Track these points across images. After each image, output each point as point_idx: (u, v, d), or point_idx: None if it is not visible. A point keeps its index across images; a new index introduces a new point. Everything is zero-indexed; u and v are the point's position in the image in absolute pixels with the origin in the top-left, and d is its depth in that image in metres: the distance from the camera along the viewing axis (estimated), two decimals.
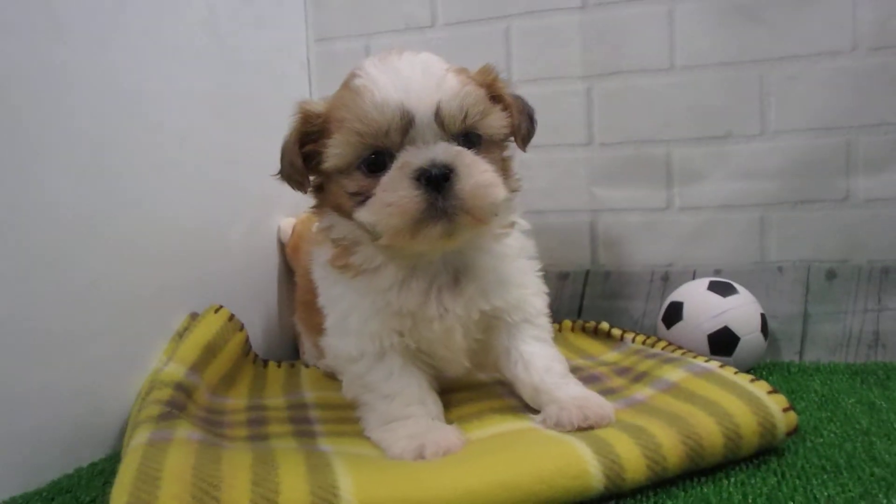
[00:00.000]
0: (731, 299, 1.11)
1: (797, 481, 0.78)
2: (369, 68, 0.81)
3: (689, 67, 1.26)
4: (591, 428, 0.82)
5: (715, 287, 1.13)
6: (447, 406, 0.93)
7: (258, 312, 1.31)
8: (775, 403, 0.84)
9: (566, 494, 0.71)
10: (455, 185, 0.75)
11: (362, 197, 0.80)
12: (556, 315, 0.99)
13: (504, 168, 0.88)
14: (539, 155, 0.92)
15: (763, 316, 1.12)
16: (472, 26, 1.38)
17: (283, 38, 1.46)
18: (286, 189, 1.10)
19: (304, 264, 1.07)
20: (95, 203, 0.94)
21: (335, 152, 0.81)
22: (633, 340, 1.18)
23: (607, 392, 0.97)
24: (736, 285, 1.14)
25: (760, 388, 0.87)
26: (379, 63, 0.81)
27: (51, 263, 0.87)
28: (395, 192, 0.76)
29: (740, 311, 1.10)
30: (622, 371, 1.06)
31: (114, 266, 0.96)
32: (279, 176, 0.89)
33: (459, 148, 0.78)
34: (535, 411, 0.90)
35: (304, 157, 0.85)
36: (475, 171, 0.77)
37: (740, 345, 1.09)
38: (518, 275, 0.92)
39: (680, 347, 1.09)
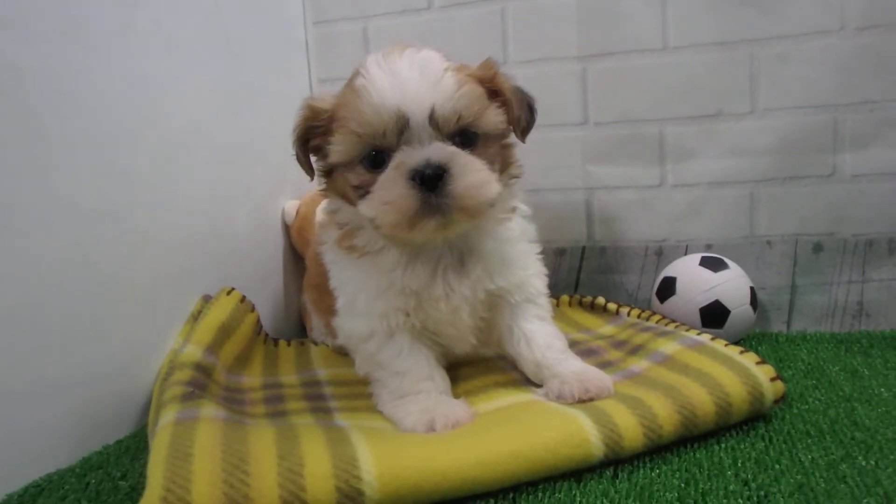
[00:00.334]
0: (721, 274, 1.15)
1: (783, 445, 0.84)
2: (371, 67, 0.84)
3: (681, 48, 1.28)
4: (591, 400, 0.87)
5: (706, 262, 1.17)
6: (454, 381, 0.98)
7: (265, 293, 1.34)
8: (763, 373, 0.89)
9: (569, 462, 0.77)
10: (448, 185, 0.79)
11: (363, 190, 0.85)
12: (554, 289, 1.03)
13: (504, 157, 0.91)
14: (535, 135, 0.94)
15: (752, 289, 1.17)
16: (469, 8, 1.40)
17: (281, 21, 1.47)
18: (289, 172, 1.13)
19: (314, 250, 1.11)
20: (112, 195, 0.97)
21: (337, 149, 0.85)
22: (629, 314, 1.23)
23: (605, 365, 1.02)
24: (727, 260, 1.19)
25: (749, 360, 0.93)
26: (381, 62, 0.84)
27: (76, 255, 0.91)
28: (391, 191, 0.81)
29: (731, 286, 1.14)
30: (618, 344, 1.11)
31: (132, 255, 1.00)
32: (296, 159, 0.93)
33: (453, 149, 0.82)
34: (538, 385, 0.96)
35: (312, 149, 0.89)
36: (468, 172, 0.81)
37: (731, 317, 1.14)
38: (520, 257, 0.96)
39: (673, 321, 1.14)
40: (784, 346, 1.21)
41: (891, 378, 1.03)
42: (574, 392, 0.88)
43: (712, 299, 1.13)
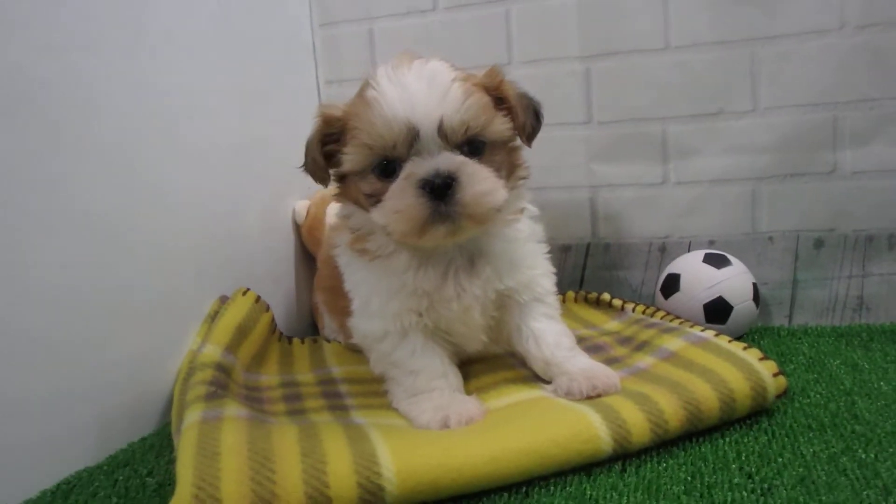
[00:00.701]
0: (724, 270, 1.18)
1: (785, 439, 0.87)
2: (381, 79, 0.86)
3: (683, 47, 1.30)
4: (598, 396, 0.90)
5: (710, 259, 1.20)
6: (465, 378, 1.00)
7: (278, 292, 1.37)
8: (766, 369, 0.92)
9: (579, 457, 0.80)
10: (457, 193, 0.82)
11: (375, 199, 0.88)
12: (560, 286, 1.06)
13: (511, 161, 0.94)
14: (540, 134, 0.97)
15: (755, 285, 1.20)
16: (473, 9, 1.42)
17: (288, 23, 1.49)
18: (299, 173, 1.15)
19: (328, 253, 1.13)
20: (125, 201, 0.99)
21: (350, 158, 0.88)
22: (633, 310, 1.26)
23: (611, 361, 1.05)
24: (729, 257, 1.21)
25: (752, 356, 0.95)
26: (391, 73, 0.86)
27: (93, 261, 0.94)
28: (402, 200, 0.84)
29: (734, 282, 1.17)
30: (624, 340, 1.14)
31: (148, 258, 1.03)
32: (303, 169, 0.95)
33: (462, 158, 0.85)
34: (546, 381, 0.99)
35: (325, 156, 0.92)
36: (476, 180, 0.84)
37: (734, 313, 1.16)
38: (528, 257, 0.99)
39: (678, 317, 1.17)
40: (786, 340, 1.24)
41: (890, 371, 1.05)
42: (582, 389, 0.91)
43: (716, 295, 1.16)
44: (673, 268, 1.23)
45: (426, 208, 0.82)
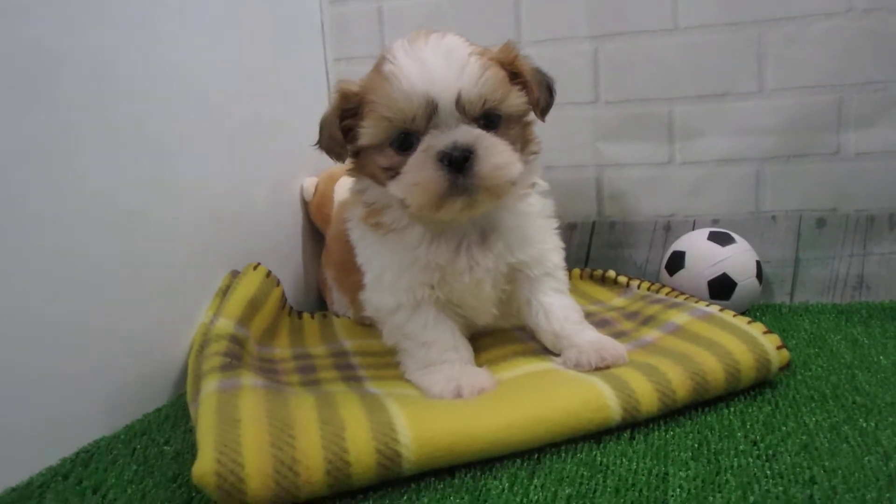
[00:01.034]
0: (729, 248, 1.20)
1: (789, 409, 0.89)
2: (398, 53, 0.87)
3: (691, 28, 1.31)
4: (607, 368, 0.92)
5: (714, 237, 1.22)
6: (476, 351, 1.02)
7: (287, 268, 1.39)
8: (769, 342, 0.95)
9: (590, 425, 0.82)
10: (474, 166, 0.84)
11: (393, 172, 0.89)
12: (566, 263, 1.08)
13: (525, 135, 0.95)
14: (548, 113, 0.99)
15: (758, 263, 1.22)
16: None
17: (296, 1, 1.49)
18: (307, 150, 1.15)
19: (337, 228, 1.15)
20: (138, 181, 1.00)
21: (368, 132, 0.89)
22: (639, 287, 1.28)
23: (618, 335, 1.07)
24: (733, 235, 1.23)
25: (756, 329, 0.98)
26: (408, 48, 0.87)
27: (106, 240, 0.94)
28: (420, 173, 0.85)
29: (738, 259, 1.19)
30: (630, 315, 1.16)
31: (160, 236, 1.03)
32: (317, 146, 0.96)
33: (479, 131, 0.86)
34: (555, 354, 1.01)
35: (343, 131, 0.93)
36: (493, 153, 0.85)
37: (737, 290, 1.19)
38: (539, 232, 1.01)
39: (683, 293, 1.19)
40: (787, 317, 1.26)
41: (889, 347, 1.08)
42: (591, 360, 0.93)
43: (720, 272, 1.18)
44: (678, 245, 1.25)
45: (444, 181, 0.84)
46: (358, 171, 0.97)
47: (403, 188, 0.87)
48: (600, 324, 1.12)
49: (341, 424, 0.75)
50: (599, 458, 0.80)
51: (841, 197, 1.30)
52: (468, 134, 0.84)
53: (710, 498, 0.70)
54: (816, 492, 0.70)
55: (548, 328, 1.00)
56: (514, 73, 0.91)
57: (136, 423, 0.97)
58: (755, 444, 0.81)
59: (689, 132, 1.36)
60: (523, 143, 0.94)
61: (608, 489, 0.73)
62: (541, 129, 0.98)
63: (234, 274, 1.18)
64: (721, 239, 1.21)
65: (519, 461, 0.79)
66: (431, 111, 0.85)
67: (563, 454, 0.81)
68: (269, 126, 1.35)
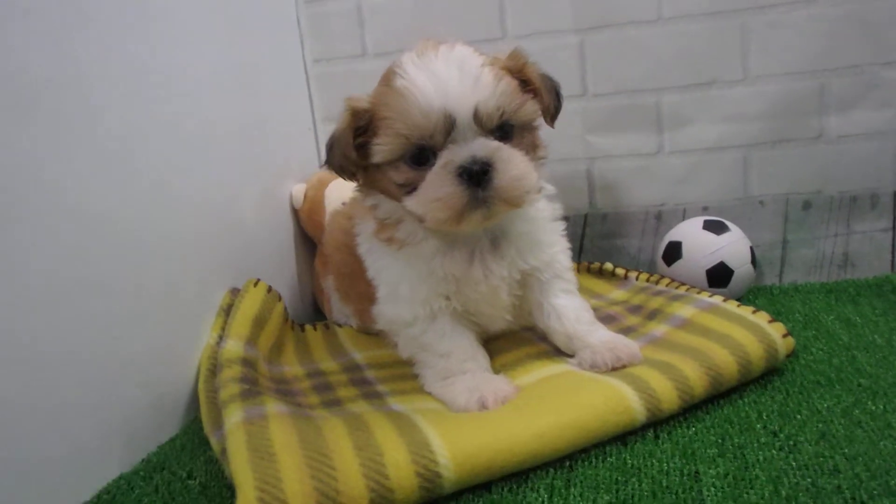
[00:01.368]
0: (724, 237, 1.23)
1: (799, 396, 0.92)
2: (409, 68, 0.86)
3: (675, 18, 1.32)
4: (623, 367, 0.94)
5: (709, 226, 1.24)
6: (490, 356, 1.02)
7: (282, 279, 1.36)
8: (775, 331, 0.98)
9: (616, 428, 0.83)
10: (493, 179, 0.84)
11: (409, 187, 0.88)
12: None
13: (533, 141, 0.95)
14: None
15: (752, 249, 1.25)
16: None
17: (271, 2, 1.45)
18: (293, 156, 1.13)
19: (338, 239, 1.13)
20: (124, 200, 0.95)
21: (382, 149, 0.88)
22: (637, 278, 1.30)
23: (626, 331, 1.09)
24: (727, 223, 1.26)
25: (762, 319, 1.01)
26: (418, 62, 0.86)
27: (98, 265, 0.89)
28: (440, 189, 0.85)
29: (733, 247, 1.22)
30: (634, 309, 1.18)
31: (152, 258, 0.99)
32: (326, 166, 0.94)
33: (496, 144, 0.86)
34: (568, 355, 1.02)
35: (356, 149, 0.91)
36: (511, 165, 0.85)
37: (734, 277, 1.21)
38: (548, 235, 1.01)
39: (682, 283, 1.21)
40: (779, 298, 1.30)
41: (881, 325, 1.12)
42: (607, 361, 0.95)
43: (717, 261, 1.21)
44: (673, 235, 1.28)
45: (464, 195, 0.84)
46: (368, 186, 0.96)
47: (422, 204, 0.86)
48: (606, 319, 1.14)
49: (378, 449, 0.75)
50: (629, 461, 0.81)
51: (825, 179, 1.34)
52: (486, 147, 0.84)
53: (745, 495, 0.73)
54: (842, 481, 0.72)
55: (561, 330, 1.01)
56: (523, 81, 0.91)
57: (152, 455, 0.95)
58: (775, 434, 0.83)
59: (678, 121, 1.37)
60: (532, 149, 0.94)
61: (644, 493, 0.75)
62: None
63: (234, 292, 1.15)
64: (716, 228, 1.24)
65: (552, 470, 0.80)
66: (450, 126, 0.84)
67: (594, 459, 0.82)
68: (251, 132, 1.30)
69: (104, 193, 0.91)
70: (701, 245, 1.23)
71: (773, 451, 0.80)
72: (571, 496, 0.76)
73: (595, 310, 1.18)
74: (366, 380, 1.03)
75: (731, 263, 1.21)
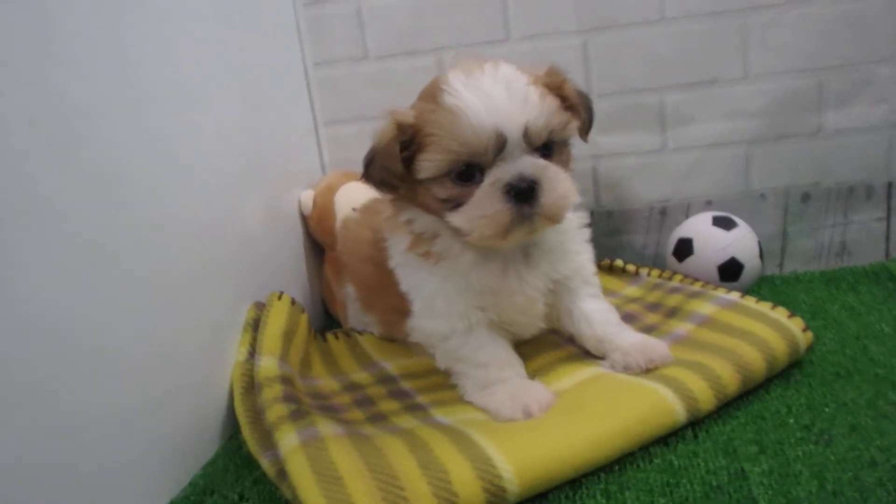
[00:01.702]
0: (733, 232, 1.27)
1: (823, 389, 0.96)
2: (457, 85, 0.86)
3: (678, 18, 1.35)
4: (655, 369, 0.97)
5: (718, 222, 1.28)
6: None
7: (293, 286, 1.35)
8: (795, 326, 1.02)
9: (660, 431, 0.86)
10: (540, 197, 0.86)
11: (453, 203, 0.89)
12: None
13: (568, 156, 0.97)
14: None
15: (759, 243, 1.30)
16: None
17: (270, 4, 1.41)
18: (296, 161, 1.06)
19: (361, 250, 1.13)
20: (131, 223, 0.88)
21: (429, 165, 0.88)
22: (648, 274, 1.33)
23: (648, 329, 1.12)
24: (735, 218, 1.30)
25: (781, 314, 1.05)
26: (465, 80, 0.87)
27: (121, 285, 0.85)
28: (488, 206, 0.86)
29: (743, 242, 1.26)
30: (652, 307, 1.21)
31: (169, 278, 0.95)
32: (364, 179, 0.94)
33: (543, 162, 0.88)
34: (597, 356, 1.04)
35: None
36: (556, 185, 0.87)
37: (745, 271, 1.26)
38: (576, 244, 1.03)
39: (696, 279, 1.25)
40: (782, 289, 1.35)
41: (885, 313, 1.18)
42: (640, 363, 0.97)
43: (728, 257, 1.25)
44: (683, 232, 1.31)
45: (511, 212, 0.85)
46: (405, 201, 0.96)
47: (469, 220, 0.87)
48: (626, 319, 1.15)
49: (442, 467, 0.76)
50: (675, 462, 0.84)
51: (823, 172, 1.39)
52: (534, 166, 0.86)
53: (793, 491, 0.76)
54: (882, 474, 0.77)
55: (591, 334, 1.03)
56: (562, 97, 0.92)
57: (197, 479, 0.94)
58: (808, 429, 0.87)
59: (680, 119, 1.40)
60: (567, 164, 0.96)
61: (697, 494, 0.78)
62: None
63: (259, 306, 1.14)
64: (725, 224, 1.28)
65: (603, 475, 0.83)
66: (500, 144, 0.85)
67: (640, 462, 0.85)
68: (254, 141, 1.26)
69: (101, 220, 0.83)
70: (712, 241, 1.26)
71: (811, 446, 0.84)
72: (628, 500, 0.79)
73: None
74: (403, 391, 1.04)
75: (741, 258, 1.25)
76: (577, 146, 1.44)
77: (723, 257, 1.25)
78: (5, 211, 0.69)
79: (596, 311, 1.04)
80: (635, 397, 0.90)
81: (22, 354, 0.69)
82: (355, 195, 1.40)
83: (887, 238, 1.39)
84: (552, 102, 0.88)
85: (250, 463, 0.94)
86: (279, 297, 1.16)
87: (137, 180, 0.91)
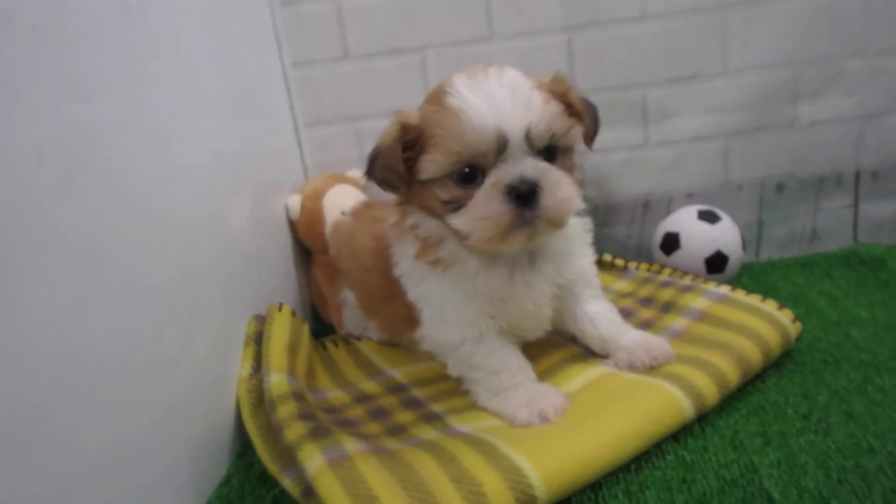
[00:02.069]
0: (718, 226, 1.31)
1: (814, 377, 1.01)
2: (461, 88, 0.86)
3: (660, 15, 1.37)
4: (659, 366, 1.00)
5: (703, 216, 1.32)
6: None
7: (285, 292, 1.34)
8: (785, 317, 1.07)
9: (671, 429, 0.90)
10: (541, 200, 0.86)
11: (455, 205, 0.89)
12: None
13: (572, 164, 0.97)
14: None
15: (742, 235, 1.35)
16: None
17: (246, 3, 1.37)
18: (278, 164, 1.01)
19: (368, 260, 1.12)
20: (124, 236, 0.84)
21: (432, 166, 0.88)
22: (637, 268, 1.37)
23: (644, 325, 1.15)
24: (718, 212, 1.34)
25: (771, 306, 1.09)
26: (469, 83, 0.87)
27: (114, 313, 0.85)
28: (488, 207, 0.86)
29: (727, 236, 1.31)
30: (645, 301, 1.25)
31: (162, 299, 0.91)
32: (367, 177, 0.94)
33: (545, 165, 0.88)
34: (600, 355, 1.07)
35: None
36: (558, 187, 0.87)
37: (729, 263, 1.30)
38: (579, 248, 1.05)
39: (684, 272, 1.29)
40: (760, 276, 1.41)
41: (860, 297, 1.24)
42: (644, 361, 1.01)
43: (714, 250, 1.29)
44: (670, 226, 1.35)
45: (512, 214, 0.85)
46: (408, 203, 0.96)
47: (469, 222, 0.87)
48: (621, 314, 1.18)
49: (474, 480, 0.77)
50: (687, 458, 0.87)
51: (796, 162, 1.45)
52: (535, 168, 0.86)
53: (802, 482, 0.80)
54: (881, 459, 0.82)
55: (595, 335, 1.06)
56: (566, 104, 0.93)
57: (213, 500, 0.93)
58: (807, 418, 0.92)
59: (663, 114, 1.44)
60: (570, 172, 0.96)
61: (714, 489, 0.81)
62: None
63: (259, 319, 1.13)
64: (710, 218, 1.32)
65: (621, 475, 0.85)
66: (502, 146, 0.85)
67: (655, 460, 0.88)
68: (241, 144, 1.23)
69: (96, 234, 0.79)
70: (698, 235, 1.30)
71: (811, 436, 0.88)
72: (649, 499, 0.82)
73: None
74: (416, 400, 1.04)
75: (726, 251, 1.30)
76: None
77: (709, 251, 1.29)
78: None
79: (599, 313, 1.06)
80: (647, 397, 0.92)
81: (30, 383, 0.66)
82: (344, 198, 1.38)
83: (855, 224, 1.47)
84: (555, 107, 0.89)
85: (265, 480, 0.94)
86: (279, 309, 1.14)
87: (138, 196, 0.88)
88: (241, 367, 1.07)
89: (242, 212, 1.22)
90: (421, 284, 1.00)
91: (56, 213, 0.72)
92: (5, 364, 0.63)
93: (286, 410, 0.93)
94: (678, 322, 1.14)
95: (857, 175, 1.45)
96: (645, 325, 1.15)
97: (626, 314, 1.21)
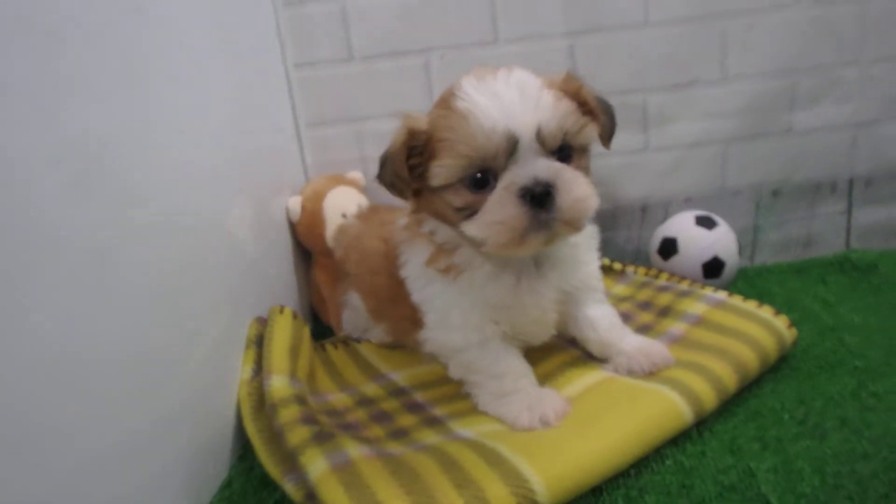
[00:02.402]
0: (715, 231, 1.33)
1: (809, 382, 1.02)
2: (469, 90, 0.86)
3: (661, 22, 1.38)
4: (658, 371, 1.02)
5: (701, 222, 1.34)
6: None
7: (286, 294, 1.34)
8: (781, 323, 1.08)
9: (671, 433, 0.91)
10: (556, 201, 0.84)
11: (468, 211, 0.88)
12: None
13: (587, 164, 0.95)
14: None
15: (738, 241, 1.36)
16: None
17: (248, 4, 1.37)
18: (280, 166, 1.00)
19: (376, 263, 1.12)
20: (126, 240, 0.83)
21: (442, 172, 0.87)
22: (635, 272, 1.38)
23: (642, 329, 1.17)
24: (715, 217, 1.36)
25: (768, 312, 1.11)
26: (477, 85, 0.86)
27: (119, 315, 0.81)
28: (503, 211, 0.84)
29: (724, 241, 1.32)
30: (643, 305, 1.26)
31: (176, 293, 0.94)
32: (378, 181, 0.93)
33: (559, 165, 0.86)
34: (599, 359, 1.08)
35: (409, 169, 0.90)
36: (574, 187, 0.85)
37: (726, 268, 1.32)
38: (585, 254, 1.05)
39: (683, 278, 1.31)
40: (755, 281, 1.42)
41: (854, 303, 1.25)
42: (643, 366, 1.02)
43: (712, 255, 1.31)
44: (667, 231, 1.36)
45: (527, 217, 0.83)
46: (420, 210, 0.95)
47: (483, 227, 0.85)
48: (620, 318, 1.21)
49: (478, 485, 0.79)
50: (686, 463, 0.89)
51: (792, 169, 1.47)
52: (549, 168, 0.84)
53: (798, 487, 0.82)
54: (876, 465, 0.83)
55: (596, 339, 1.07)
56: (580, 103, 0.91)
57: (214, 503, 0.94)
58: (803, 423, 0.93)
59: (662, 119, 1.45)
60: (586, 172, 0.94)
61: (712, 495, 0.83)
62: None
63: (261, 321, 1.13)
64: (707, 223, 1.33)
65: (621, 479, 0.87)
66: (512, 147, 0.84)
67: (654, 465, 0.89)
68: (242, 145, 1.23)
69: (99, 234, 0.79)
70: (695, 240, 1.32)
71: (808, 441, 0.90)
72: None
73: None
74: (418, 404, 1.05)
75: (723, 256, 1.31)
76: None
77: (706, 256, 1.31)
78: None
79: (601, 317, 1.07)
80: (647, 402, 0.94)
81: (31, 383, 0.66)
82: (344, 201, 1.39)
83: (848, 230, 1.49)
84: (567, 105, 0.87)
85: (267, 484, 0.94)
86: (280, 312, 1.15)
87: (144, 197, 0.88)
88: (242, 369, 1.07)
89: (244, 213, 1.23)
90: (426, 288, 1.00)
91: (67, 216, 0.72)
92: (8, 364, 0.63)
93: (288, 414, 0.93)
94: (676, 326, 1.15)
95: (851, 182, 1.48)
96: (643, 329, 1.16)
97: (624, 318, 1.21)
